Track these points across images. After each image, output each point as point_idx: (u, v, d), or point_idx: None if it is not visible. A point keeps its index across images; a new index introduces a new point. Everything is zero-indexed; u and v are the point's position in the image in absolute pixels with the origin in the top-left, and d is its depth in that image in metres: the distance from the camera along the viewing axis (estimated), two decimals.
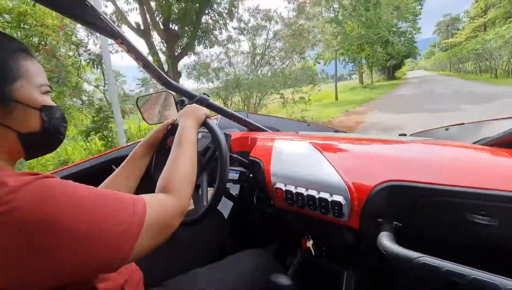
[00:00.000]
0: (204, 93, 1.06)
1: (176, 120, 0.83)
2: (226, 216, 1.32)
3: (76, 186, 0.42)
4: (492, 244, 0.55)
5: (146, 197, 0.50)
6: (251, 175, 0.97)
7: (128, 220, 0.43)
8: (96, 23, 0.79)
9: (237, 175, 0.99)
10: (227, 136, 0.78)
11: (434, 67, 49.22)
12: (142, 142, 0.85)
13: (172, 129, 0.88)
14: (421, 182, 0.60)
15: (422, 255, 0.49)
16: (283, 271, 0.89)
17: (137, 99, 1.18)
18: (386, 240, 0.55)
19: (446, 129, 1.04)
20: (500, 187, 0.52)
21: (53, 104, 0.52)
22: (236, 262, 0.82)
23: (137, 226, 0.44)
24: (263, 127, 1.27)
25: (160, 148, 0.89)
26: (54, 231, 0.36)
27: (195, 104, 0.82)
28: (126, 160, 0.81)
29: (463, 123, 1.02)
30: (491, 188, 0.53)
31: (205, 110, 0.83)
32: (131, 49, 0.88)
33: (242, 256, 0.85)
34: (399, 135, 1.13)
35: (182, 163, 0.64)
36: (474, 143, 0.83)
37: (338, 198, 0.68)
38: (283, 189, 0.78)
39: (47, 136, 0.50)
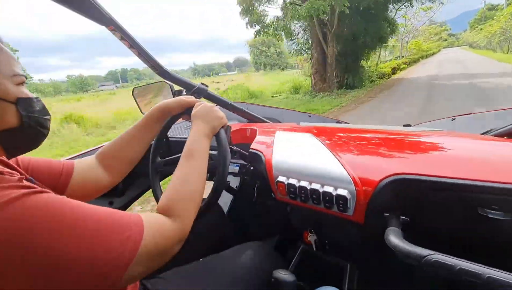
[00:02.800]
0: (202, 83, 1.02)
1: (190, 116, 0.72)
2: (226, 209, 1.30)
3: (66, 205, 0.38)
4: (505, 239, 0.53)
5: (145, 218, 0.45)
6: (251, 168, 0.94)
7: (120, 246, 0.39)
8: (84, 7, 0.74)
9: (237, 168, 0.96)
10: (227, 128, 0.74)
11: (488, 44, 37.88)
12: (158, 106, 0.74)
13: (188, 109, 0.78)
14: (430, 175, 0.57)
15: (433, 252, 0.47)
16: (283, 264, 0.88)
17: (133, 90, 1.13)
18: (394, 237, 0.53)
19: (453, 120, 1.01)
20: None
21: (31, 95, 0.47)
22: (236, 255, 0.80)
23: (129, 253, 0.39)
24: (264, 118, 1.24)
25: (165, 127, 0.83)
26: (32, 257, 0.33)
27: (214, 107, 0.71)
28: (139, 122, 0.73)
29: (470, 113, 0.99)
30: (505, 182, 0.50)
31: (224, 117, 0.72)
32: (125, 36, 0.83)
33: (242, 249, 0.83)
34: (404, 125, 1.10)
35: (191, 181, 0.57)
36: (482, 134, 0.80)
37: (343, 192, 0.66)
38: (286, 182, 0.76)
39: (27, 132, 0.46)
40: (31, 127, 0.46)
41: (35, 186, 0.38)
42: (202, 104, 0.71)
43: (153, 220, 0.46)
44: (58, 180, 0.61)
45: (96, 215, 0.40)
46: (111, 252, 0.38)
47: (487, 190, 0.51)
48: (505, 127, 0.72)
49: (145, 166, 0.88)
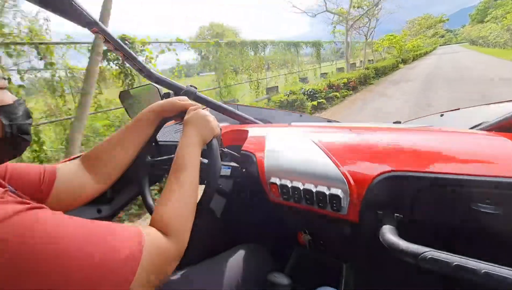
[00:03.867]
0: (191, 85, 1.00)
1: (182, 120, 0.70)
2: (219, 212, 1.28)
3: (65, 223, 0.36)
4: (498, 233, 0.53)
5: (145, 234, 0.42)
6: (243, 170, 0.93)
7: (123, 266, 0.36)
8: (66, 10, 0.72)
9: (229, 170, 0.95)
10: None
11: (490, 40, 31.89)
12: (151, 108, 0.71)
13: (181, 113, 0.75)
14: (422, 172, 0.57)
15: (428, 249, 0.46)
16: (278, 266, 0.86)
17: (119, 94, 1.10)
18: (389, 234, 0.52)
19: (441, 115, 1.02)
20: (505, 174, 0.50)
21: (11, 100, 0.43)
22: (230, 258, 0.79)
23: (130, 272, 0.37)
24: (254, 120, 1.22)
25: (157, 129, 0.78)
26: (30, 280, 0.31)
27: (208, 113, 0.68)
28: (129, 124, 0.69)
29: (459, 109, 1.00)
30: (495, 175, 0.50)
31: (217, 126, 0.69)
32: (109, 39, 0.81)
33: (236, 252, 0.82)
34: (394, 122, 1.11)
35: (186, 195, 0.55)
36: (471, 128, 0.81)
37: (336, 191, 0.65)
38: (278, 183, 0.75)
39: (9, 142, 0.43)
40: (13, 135, 0.42)
41: (28, 201, 0.35)
42: (196, 111, 0.68)
43: (151, 236, 0.44)
44: (39, 187, 0.56)
45: (97, 233, 0.37)
46: (110, 273, 0.35)
47: (479, 184, 0.51)
48: (492, 121, 0.72)
49: (135, 172, 0.86)
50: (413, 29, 41.08)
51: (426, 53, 35.81)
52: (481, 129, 0.75)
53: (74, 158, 0.99)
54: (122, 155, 0.69)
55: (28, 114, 0.46)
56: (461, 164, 0.55)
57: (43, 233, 0.33)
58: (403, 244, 0.49)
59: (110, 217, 1.06)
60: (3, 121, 0.40)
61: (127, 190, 1.12)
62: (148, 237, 0.42)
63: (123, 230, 0.40)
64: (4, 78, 0.43)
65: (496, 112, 0.86)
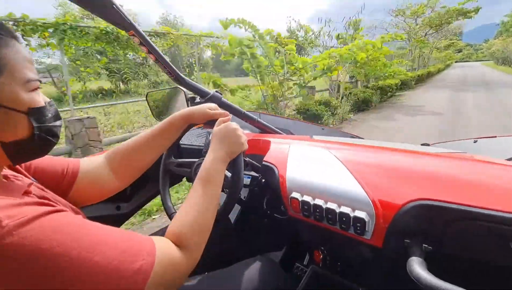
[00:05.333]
0: (217, 91, 1.01)
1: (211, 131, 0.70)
2: (233, 219, 1.27)
3: (82, 229, 0.36)
4: None
5: (158, 246, 0.42)
6: (263, 181, 0.92)
7: (133, 275, 0.36)
8: (106, 12, 0.74)
9: (249, 180, 0.94)
10: None
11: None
12: (181, 114, 0.71)
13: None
14: (459, 204, 0.53)
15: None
16: (290, 282, 0.84)
17: (147, 94, 1.13)
18: (419, 269, 0.49)
19: (475, 142, 0.97)
20: None
21: (43, 103, 0.43)
22: (243, 270, 0.78)
23: (140, 284, 0.37)
24: (276, 129, 1.21)
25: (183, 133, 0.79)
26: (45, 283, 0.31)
27: (238, 127, 0.67)
28: (156, 128, 0.70)
29: (495, 136, 0.95)
30: None
31: (245, 142, 0.68)
32: (144, 42, 0.83)
33: (249, 263, 0.81)
34: (421, 144, 1.06)
35: (206, 210, 0.54)
36: (508, 159, 0.76)
37: (361, 214, 0.62)
38: (300, 199, 0.73)
39: (37, 143, 0.42)
40: (41, 138, 0.42)
41: (50, 203, 0.36)
42: (226, 124, 0.67)
43: (164, 248, 0.43)
44: (62, 181, 0.58)
45: (112, 240, 0.37)
46: (122, 283, 0.35)
47: None
48: None
49: (155, 171, 0.87)
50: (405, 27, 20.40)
51: (427, 75, 21.05)
52: None
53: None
54: (147, 157, 0.69)
55: (58, 116, 0.46)
56: (500, 199, 0.52)
57: (59, 240, 0.33)
58: (434, 280, 0.46)
59: (128, 215, 1.08)
60: (33, 122, 0.41)
61: (146, 188, 1.14)
62: (161, 249, 0.42)
63: (137, 240, 0.40)
64: (38, 80, 0.43)
65: None
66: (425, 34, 20.73)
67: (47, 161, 0.59)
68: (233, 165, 0.68)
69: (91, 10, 0.77)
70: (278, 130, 1.22)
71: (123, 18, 0.76)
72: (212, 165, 0.61)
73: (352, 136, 1.27)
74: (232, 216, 1.29)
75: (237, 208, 1.31)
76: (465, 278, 0.59)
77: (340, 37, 8.92)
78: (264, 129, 1.21)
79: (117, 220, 1.07)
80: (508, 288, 0.54)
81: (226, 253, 1.10)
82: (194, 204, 0.54)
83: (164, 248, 0.44)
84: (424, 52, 24.56)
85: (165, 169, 0.86)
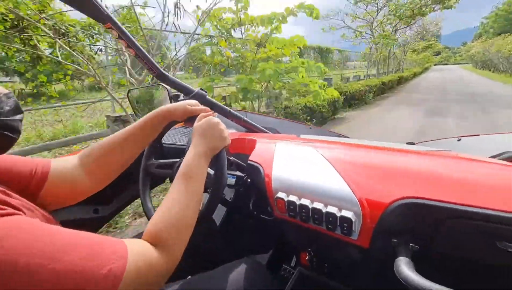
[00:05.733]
0: (201, 88, 0.98)
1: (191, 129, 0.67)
2: (218, 221, 1.24)
3: (39, 232, 0.33)
4: None
5: (130, 247, 0.39)
6: (249, 180, 0.89)
7: (101, 281, 0.33)
8: (82, 3, 0.70)
9: (234, 179, 0.91)
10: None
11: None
12: (161, 110, 0.68)
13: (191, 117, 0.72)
14: (444, 201, 0.53)
15: None
16: (277, 283, 0.82)
17: (128, 91, 1.08)
18: (406, 269, 0.48)
19: (459, 140, 0.98)
20: None
21: None
22: (228, 273, 0.76)
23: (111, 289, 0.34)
24: (263, 128, 1.19)
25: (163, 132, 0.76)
26: None
27: (219, 122, 0.65)
28: (135, 125, 0.66)
29: (478, 135, 0.96)
30: None
31: (228, 137, 0.67)
32: (122, 35, 0.79)
33: (234, 266, 0.78)
34: (407, 143, 1.07)
35: (186, 207, 0.51)
36: (491, 157, 0.77)
37: (348, 214, 0.61)
38: (285, 199, 0.71)
39: None
40: None
41: (4, 207, 0.32)
42: (207, 118, 0.65)
43: (138, 250, 0.40)
44: (30, 182, 0.52)
45: (74, 244, 0.34)
46: (90, 289, 0.32)
47: (506, 221, 0.47)
48: None
49: (137, 172, 0.82)
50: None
51: (398, 82, 15.68)
52: (503, 159, 0.71)
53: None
54: (124, 156, 0.65)
55: (17, 109, 0.42)
56: (485, 197, 0.51)
57: (12, 246, 0.29)
58: (422, 280, 0.45)
59: (106, 218, 1.03)
60: None
61: (127, 190, 1.09)
62: (135, 251, 0.39)
63: (106, 243, 0.37)
64: None
65: None
66: (395, 30, 15.69)
67: (13, 161, 0.53)
68: (215, 161, 0.65)
69: (66, 1, 0.72)
70: (265, 129, 1.20)
71: (100, 10, 0.72)
72: (193, 160, 0.58)
73: (339, 136, 1.26)
74: (218, 217, 1.26)
75: (222, 209, 1.28)
76: (452, 277, 0.59)
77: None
78: (250, 128, 1.18)
79: (94, 224, 1.01)
80: (495, 287, 0.54)
81: (211, 256, 1.07)
82: (173, 201, 0.51)
83: (138, 249, 0.41)
84: (395, 53, 20.26)
85: (145, 171, 0.81)
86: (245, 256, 0.87)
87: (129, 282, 0.36)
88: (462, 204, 0.51)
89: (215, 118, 0.66)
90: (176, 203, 0.51)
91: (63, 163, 0.60)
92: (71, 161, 0.62)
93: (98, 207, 1.00)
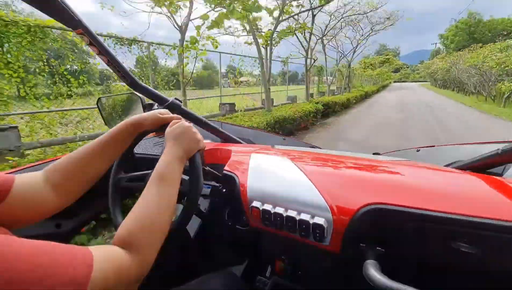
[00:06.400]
0: (176, 98, 0.97)
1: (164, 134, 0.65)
2: (192, 232, 1.21)
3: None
4: (474, 273, 0.54)
5: (96, 254, 0.37)
6: (224, 190, 0.89)
7: None
8: (50, 7, 0.67)
9: (209, 189, 0.90)
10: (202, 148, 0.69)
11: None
12: (131, 121, 0.66)
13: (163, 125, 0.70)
14: (406, 207, 0.57)
15: (412, 289, 0.45)
16: None
17: (98, 99, 1.04)
18: (373, 271, 0.51)
19: (418, 150, 1.07)
20: (481, 214, 0.51)
21: None
22: (203, 286, 0.74)
23: None
24: (238, 139, 1.21)
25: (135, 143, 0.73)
26: None
27: (192, 127, 0.64)
28: (104, 137, 0.63)
29: (434, 146, 1.06)
30: (473, 215, 0.51)
31: (201, 140, 0.66)
32: (94, 42, 0.76)
33: (209, 278, 0.77)
34: (373, 153, 1.14)
35: (159, 209, 0.50)
36: (445, 165, 0.85)
37: (319, 220, 0.63)
38: (260, 208, 0.72)
39: None
40: None
41: None
42: (179, 123, 0.64)
43: (106, 256, 0.39)
44: None
45: (33, 253, 0.32)
46: None
47: (457, 223, 0.52)
48: (467, 161, 0.76)
49: (104, 184, 0.78)
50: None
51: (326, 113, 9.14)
52: (455, 167, 0.79)
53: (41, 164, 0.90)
54: (93, 170, 0.62)
55: None
56: (442, 202, 0.57)
57: None
58: (387, 281, 0.48)
59: (70, 233, 0.96)
60: None
61: (93, 204, 1.03)
62: (101, 257, 0.38)
63: (68, 251, 0.35)
64: None
65: (467, 152, 0.92)
66: (325, 31, 11.71)
67: None
68: (190, 164, 0.64)
69: (34, 5, 0.69)
70: (240, 140, 1.21)
71: (70, 14, 0.70)
72: (167, 163, 0.57)
73: (312, 146, 1.31)
74: (192, 229, 1.23)
75: (197, 221, 1.25)
76: (415, 277, 0.63)
77: None
78: (226, 139, 1.19)
79: (57, 240, 0.93)
80: (453, 286, 0.58)
81: (185, 268, 1.04)
82: (144, 203, 0.50)
83: (105, 255, 0.39)
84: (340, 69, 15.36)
85: (114, 186, 0.77)
86: (220, 267, 0.86)
87: (97, 289, 0.34)
88: (421, 209, 0.56)
89: (186, 122, 0.65)
90: (147, 206, 0.49)
91: (27, 180, 0.55)
92: (36, 177, 0.57)
93: (61, 222, 0.93)
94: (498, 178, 0.66)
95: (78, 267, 0.34)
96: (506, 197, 0.55)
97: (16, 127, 3.03)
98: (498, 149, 0.66)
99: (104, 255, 0.39)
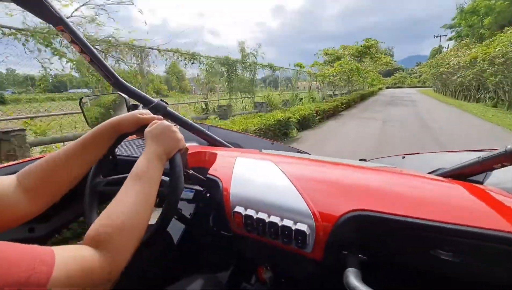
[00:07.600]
0: (161, 99, 0.95)
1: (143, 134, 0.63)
2: (176, 238, 1.18)
3: None
4: (454, 281, 0.53)
5: (58, 252, 0.35)
6: (208, 195, 0.87)
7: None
8: (30, 2, 0.65)
9: (192, 194, 0.88)
10: (184, 150, 0.67)
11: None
12: (110, 122, 0.64)
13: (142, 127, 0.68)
14: (389, 213, 0.57)
15: None
16: None
17: (80, 99, 1.01)
18: (354, 279, 0.50)
19: (403, 157, 1.08)
20: (461, 222, 0.51)
21: None
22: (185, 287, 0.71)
23: None
24: (225, 142, 1.19)
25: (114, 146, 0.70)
26: None
27: (173, 126, 0.63)
28: (83, 139, 0.60)
29: (419, 153, 1.07)
30: (454, 223, 0.51)
31: (182, 139, 0.64)
32: (75, 39, 0.74)
33: (195, 285, 0.75)
34: (359, 160, 1.14)
35: (134, 208, 0.48)
36: (429, 173, 0.85)
37: (302, 227, 0.62)
38: (243, 213, 0.70)
39: None
40: None
41: None
42: (158, 123, 0.63)
43: (71, 255, 0.37)
44: None
45: None
46: None
47: (438, 230, 0.52)
48: (450, 168, 0.77)
49: (83, 187, 0.75)
50: None
51: None
52: (438, 175, 0.80)
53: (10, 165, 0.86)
54: (70, 174, 0.59)
55: None
56: (421, 208, 0.56)
57: None
58: None
59: (44, 238, 0.91)
60: None
61: (68, 208, 0.99)
62: (66, 257, 0.36)
63: (27, 252, 0.34)
64: None
65: (450, 160, 0.93)
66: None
67: None
68: (170, 164, 0.62)
69: (14, 1, 0.67)
70: (227, 144, 1.19)
71: (51, 10, 0.68)
72: (145, 161, 0.55)
73: (300, 152, 1.31)
74: (176, 235, 1.19)
75: (181, 226, 1.22)
76: (396, 284, 0.62)
77: None
78: (212, 142, 1.17)
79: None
80: None
81: (169, 275, 1.00)
82: (118, 202, 0.48)
83: (70, 254, 0.37)
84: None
85: (91, 191, 0.73)
86: (205, 274, 0.84)
87: (59, 288, 0.33)
88: (402, 215, 0.55)
89: (166, 122, 0.64)
90: (120, 204, 0.48)
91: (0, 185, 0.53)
92: (9, 182, 0.54)
93: (34, 226, 0.88)
94: (478, 185, 0.66)
95: (37, 267, 0.32)
96: (486, 205, 0.55)
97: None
98: (478, 157, 0.67)
99: (69, 254, 0.37)
